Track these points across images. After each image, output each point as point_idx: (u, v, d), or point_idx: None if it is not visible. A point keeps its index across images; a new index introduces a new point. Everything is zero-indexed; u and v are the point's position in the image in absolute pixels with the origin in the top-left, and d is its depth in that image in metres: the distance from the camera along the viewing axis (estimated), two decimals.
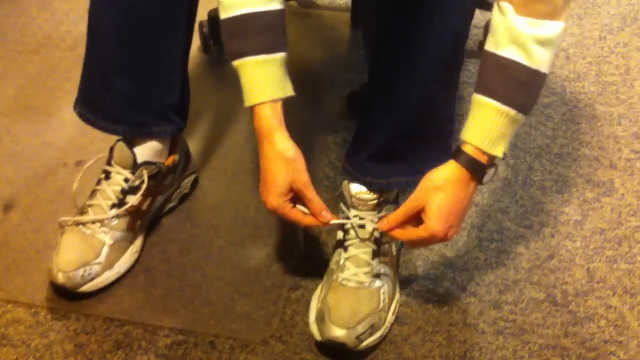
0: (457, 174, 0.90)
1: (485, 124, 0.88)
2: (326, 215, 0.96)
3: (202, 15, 1.52)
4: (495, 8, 0.87)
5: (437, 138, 1.02)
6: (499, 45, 0.86)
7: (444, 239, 0.91)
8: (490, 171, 0.91)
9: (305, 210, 0.96)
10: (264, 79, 0.93)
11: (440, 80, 0.98)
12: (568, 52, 1.57)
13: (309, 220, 0.97)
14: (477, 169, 0.90)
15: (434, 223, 0.90)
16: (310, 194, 0.95)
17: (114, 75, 1.07)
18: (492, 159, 0.90)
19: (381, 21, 0.99)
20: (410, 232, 0.93)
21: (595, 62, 1.54)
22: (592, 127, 1.37)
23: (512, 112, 0.87)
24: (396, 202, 1.08)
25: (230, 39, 0.93)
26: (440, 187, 0.90)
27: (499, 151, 0.89)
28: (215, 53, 1.58)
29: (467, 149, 0.90)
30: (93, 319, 1.04)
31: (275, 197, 0.94)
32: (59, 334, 1.02)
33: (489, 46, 0.88)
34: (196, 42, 1.56)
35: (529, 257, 1.13)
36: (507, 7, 0.84)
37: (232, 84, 1.52)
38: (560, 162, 1.30)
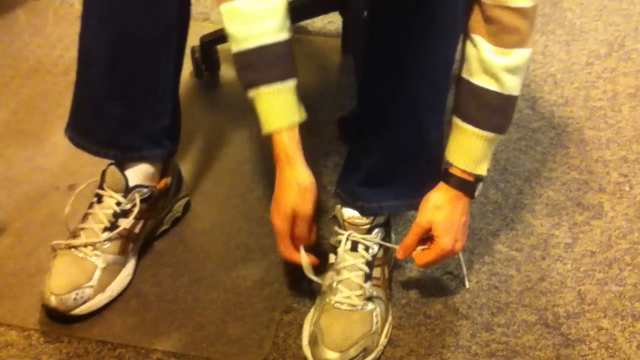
0: (450, 194, 1.01)
1: (467, 148, 0.99)
2: (295, 257, 1.00)
3: (194, 40, 1.55)
4: (468, 40, 0.96)
5: (426, 162, 1.03)
6: (472, 74, 0.95)
7: (453, 252, 1.01)
8: (479, 186, 1.02)
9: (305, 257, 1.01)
10: (280, 106, 0.96)
11: (430, 106, 1.00)
12: (556, 77, 1.59)
13: (292, 257, 1.01)
14: (466, 188, 1.01)
15: (442, 238, 1.00)
16: (303, 226, 0.99)
17: (104, 100, 1.07)
18: (478, 177, 1.01)
19: (371, 48, 1.01)
20: (425, 255, 1.02)
21: (583, 87, 1.56)
22: (580, 151, 1.39)
23: (490, 135, 0.97)
24: (388, 225, 1.09)
25: (245, 70, 0.96)
26: (439, 207, 1.01)
27: (483, 170, 1.01)
28: (207, 78, 1.59)
29: (455, 171, 1.01)
30: (85, 342, 1.03)
31: (279, 220, 0.98)
32: (52, 357, 1.01)
33: (464, 73, 0.97)
34: (188, 67, 1.58)
35: (520, 280, 1.14)
36: (478, 39, 0.93)
37: (224, 109, 1.55)
38: (549, 186, 1.31)
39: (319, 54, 1.68)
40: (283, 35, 0.95)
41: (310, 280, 1.01)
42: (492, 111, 0.96)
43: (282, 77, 0.95)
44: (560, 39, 1.72)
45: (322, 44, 1.71)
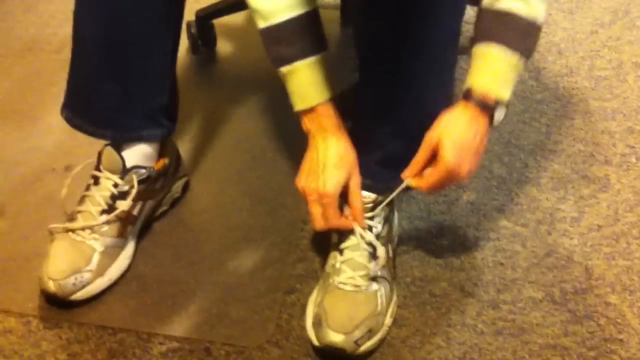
0: (468, 111, 0.91)
1: (492, 69, 0.91)
2: (344, 222, 1.00)
3: (189, 15, 1.51)
4: None
5: None
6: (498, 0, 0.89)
7: (460, 175, 0.91)
8: (501, 112, 0.92)
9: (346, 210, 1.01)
10: (319, 79, 0.95)
11: (438, 80, 0.97)
12: (560, 46, 1.56)
13: (342, 222, 1.00)
14: (486, 107, 0.91)
15: (447, 155, 0.90)
16: (358, 200, 0.99)
17: (100, 80, 1.04)
18: (497, 102, 0.91)
19: (372, 22, 0.98)
20: (428, 177, 0.94)
21: (588, 57, 1.53)
22: (586, 123, 1.36)
23: (515, 56, 0.90)
24: (391, 202, 1.07)
25: (275, 46, 0.94)
26: (450, 121, 0.92)
27: (506, 94, 0.91)
28: (204, 54, 1.56)
29: (473, 93, 0.91)
30: (86, 328, 1.02)
31: (333, 187, 0.96)
32: (52, 344, 1.00)
33: (485, 4, 0.91)
34: (184, 43, 1.54)
35: (527, 256, 1.12)
36: None
37: (221, 85, 1.52)
38: (555, 159, 1.29)
39: None
40: (311, 5, 0.92)
41: (312, 261, 1.00)
42: (518, 32, 0.90)
43: (316, 50, 0.94)
44: (563, 7, 1.68)
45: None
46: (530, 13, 0.89)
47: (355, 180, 0.99)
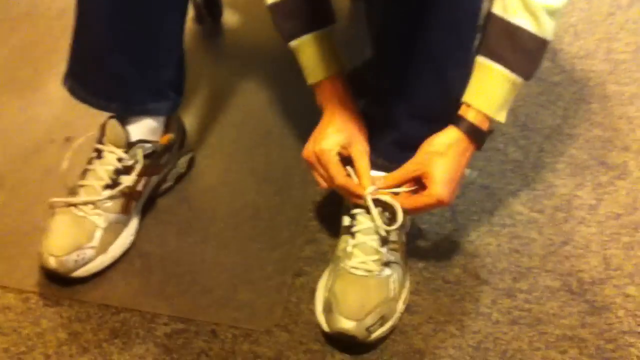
0: (457, 140, 0.92)
1: (492, 90, 0.91)
2: (352, 184, 0.96)
3: None
4: None
5: (451, 119, 0.96)
6: (508, 10, 0.87)
7: (445, 204, 0.92)
8: (487, 137, 0.94)
9: (352, 172, 0.97)
10: (327, 53, 0.96)
11: (455, 60, 0.93)
12: (577, 28, 1.51)
13: (345, 182, 0.96)
14: (477, 136, 0.92)
15: (439, 189, 0.91)
16: (364, 161, 0.96)
17: (106, 52, 1.00)
18: (492, 125, 0.93)
19: (389, 3, 0.94)
20: (415, 200, 0.94)
21: (605, 39, 1.48)
22: (603, 107, 1.33)
23: (518, 79, 0.90)
24: None
25: (283, 21, 0.95)
26: (442, 153, 0.92)
27: (502, 117, 0.93)
28: (209, 24, 1.51)
29: (469, 115, 0.92)
30: (87, 306, 0.98)
31: (330, 143, 0.95)
32: (52, 322, 0.96)
33: (496, 9, 0.89)
34: (189, 12, 1.49)
35: (543, 243, 1.09)
36: None
37: (228, 58, 1.47)
38: (572, 144, 1.25)
39: None
40: None
41: (322, 242, 0.97)
42: (526, 53, 0.89)
43: (324, 24, 0.94)
44: None
45: None
46: (542, 33, 0.87)
47: (359, 147, 0.97)
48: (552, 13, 0.87)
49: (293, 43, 0.95)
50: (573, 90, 1.36)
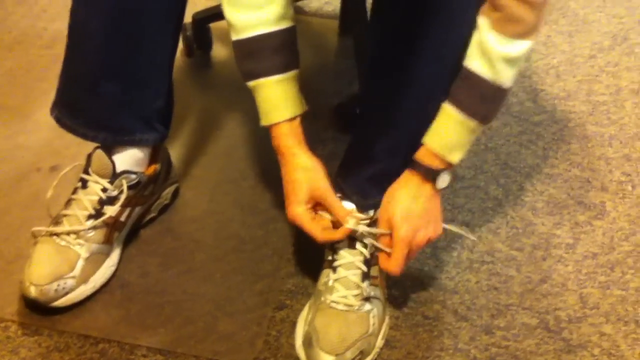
0: (408, 179, 0.94)
1: (445, 131, 0.91)
2: (351, 222, 0.96)
3: (185, 17, 1.47)
4: None
5: None
6: (468, 57, 0.88)
7: (418, 244, 0.93)
8: (445, 176, 0.93)
9: (328, 215, 0.97)
10: (280, 98, 0.94)
11: (442, 90, 0.94)
12: (558, 69, 1.55)
13: (325, 235, 0.96)
14: (428, 173, 0.92)
15: (398, 230, 0.92)
16: (332, 200, 0.96)
17: (99, 78, 1.01)
18: (447, 164, 0.92)
19: (377, 34, 0.96)
20: (392, 258, 0.93)
21: (586, 81, 1.52)
22: (583, 148, 1.35)
23: (472, 123, 0.89)
24: None
25: (244, 60, 0.94)
26: (394, 196, 0.94)
27: (455, 157, 0.92)
28: (198, 57, 1.53)
29: (419, 152, 0.92)
30: (66, 336, 0.98)
31: (295, 206, 0.95)
32: (31, 351, 0.96)
33: (466, 57, 0.89)
34: (179, 45, 1.51)
35: (521, 281, 1.10)
36: (481, 21, 0.86)
37: (216, 89, 1.49)
38: (551, 183, 1.27)
39: (316, 35, 1.62)
40: (285, 24, 0.92)
41: (303, 276, 0.97)
42: (480, 98, 0.89)
43: (283, 68, 0.93)
44: (563, 29, 1.68)
45: (319, 25, 1.65)
46: (496, 79, 0.86)
47: (322, 189, 0.96)
48: (509, 61, 0.86)
49: (250, 83, 0.94)
50: (553, 131, 1.39)
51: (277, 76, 0.93)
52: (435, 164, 0.92)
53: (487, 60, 0.86)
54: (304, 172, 0.95)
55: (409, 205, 0.93)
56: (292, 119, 0.95)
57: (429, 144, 0.92)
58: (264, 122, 0.96)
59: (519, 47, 0.85)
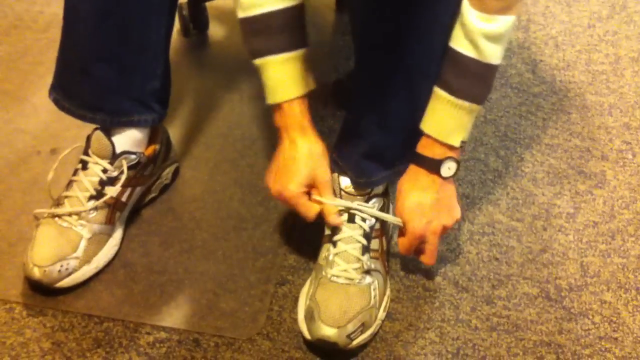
0: (414, 172, 0.96)
1: (441, 116, 0.92)
2: (335, 220, 0.99)
3: None
4: None
5: (414, 130, 0.97)
6: (452, 39, 0.88)
7: (433, 232, 0.97)
8: (450, 164, 0.94)
9: (321, 199, 0.98)
10: (288, 76, 0.94)
11: (424, 72, 0.94)
12: (557, 39, 1.54)
13: (316, 215, 0.98)
14: (431, 163, 0.94)
15: (411, 222, 0.97)
16: (328, 192, 0.98)
17: (93, 61, 1.01)
18: (450, 148, 0.93)
19: (367, 13, 0.95)
20: (403, 243, 1.00)
21: (585, 51, 1.51)
22: (582, 118, 1.35)
23: (465, 104, 0.90)
24: (386, 195, 1.05)
25: (251, 37, 0.93)
26: (402, 190, 0.97)
27: (455, 140, 0.93)
28: (195, 37, 1.53)
29: (421, 146, 0.94)
30: (71, 316, 0.99)
31: (295, 186, 0.95)
32: (36, 332, 0.97)
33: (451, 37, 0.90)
34: (175, 25, 1.50)
35: (522, 251, 1.10)
36: (463, 2, 0.85)
37: (213, 69, 1.49)
38: (551, 153, 1.27)
39: (312, 12, 1.62)
40: (292, 1, 0.91)
41: (304, 252, 0.98)
42: (470, 79, 0.89)
43: (290, 47, 0.92)
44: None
45: (315, 2, 1.65)
46: (483, 58, 0.87)
47: (322, 178, 0.97)
48: (493, 38, 0.86)
49: (257, 61, 0.93)
50: (553, 101, 1.39)
51: (284, 54, 0.92)
52: (437, 152, 0.93)
53: (471, 40, 0.86)
54: (312, 157, 0.96)
55: (418, 198, 0.96)
56: (299, 98, 0.94)
57: (426, 130, 0.93)
58: (270, 100, 0.96)
59: (500, 23, 0.85)
